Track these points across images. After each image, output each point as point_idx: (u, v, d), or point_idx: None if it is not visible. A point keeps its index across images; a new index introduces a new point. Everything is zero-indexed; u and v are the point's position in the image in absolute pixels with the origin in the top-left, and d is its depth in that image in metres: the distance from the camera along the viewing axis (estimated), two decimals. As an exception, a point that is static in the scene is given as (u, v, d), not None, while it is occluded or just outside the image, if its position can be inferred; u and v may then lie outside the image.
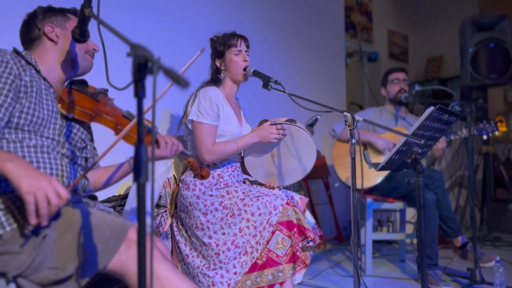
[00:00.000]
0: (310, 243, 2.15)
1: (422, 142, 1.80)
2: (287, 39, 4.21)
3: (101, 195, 2.29)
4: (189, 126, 2.26)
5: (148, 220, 0.98)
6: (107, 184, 1.66)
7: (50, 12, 1.61)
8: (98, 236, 1.31)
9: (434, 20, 6.54)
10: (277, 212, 2.10)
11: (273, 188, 2.35)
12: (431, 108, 1.88)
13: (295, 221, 2.10)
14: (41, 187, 1.19)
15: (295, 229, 2.09)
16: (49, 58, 1.56)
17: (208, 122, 2.20)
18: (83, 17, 1.47)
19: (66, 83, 1.63)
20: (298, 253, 2.07)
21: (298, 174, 2.36)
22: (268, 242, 2.09)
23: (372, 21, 6.06)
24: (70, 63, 1.60)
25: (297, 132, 2.29)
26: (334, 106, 2.09)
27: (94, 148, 1.72)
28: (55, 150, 1.48)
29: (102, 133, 1.81)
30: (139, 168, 0.96)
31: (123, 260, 1.29)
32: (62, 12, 1.63)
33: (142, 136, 0.97)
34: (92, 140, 1.71)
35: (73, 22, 1.61)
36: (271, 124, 2.22)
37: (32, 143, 1.42)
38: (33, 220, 1.20)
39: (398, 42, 6.61)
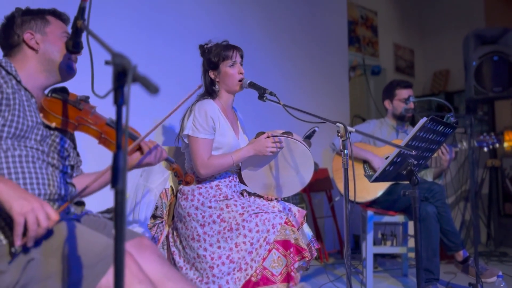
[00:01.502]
0: (304, 264, 2.14)
1: (413, 153, 1.79)
2: (289, 53, 4.22)
3: (100, 206, 2.30)
4: (185, 140, 2.28)
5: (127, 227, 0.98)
6: (96, 191, 1.66)
7: (28, 15, 1.53)
8: (84, 260, 1.27)
9: (441, 33, 6.55)
10: (275, 230, 2.08)
11: (271, 200, 2.34)
12: (424, 119, 1.87)
13: (292, 241, 2.08)
14: (32, 209, 1.19)
15: (291, 249, 2.07)
16: (30, 67, 1.51)
17: (203, 137, 2.21)
18: (76, 29, 1.49)
19: (47, 91, 1.57)
20: (292, 273, 2.04)
21: (296, 186, 2.35)
22: (264, 259, 2.06)
23: (377, 35, 6.08)
24: (53, 70, 1.55)
25: (294, 144, 2.29)
26: (338, 119, 2.08)
27: (78, 155, 1.69)
28: (40, 160, 1.46)
29: (86, 141, 1.79)
30: (117, 175, 0.97)
31: (110, 279, 1.25)
32: (41, 15, 1.56)
33: (121, 143, 0.98)
34: (75, 147, 1.68)
35: (53, 25, 1.56)
36: (268, 137, 2.22)
37: (17, 153, 1.39)
38: (18, 242, 1.20)
39: (404, 56, 6.61)
